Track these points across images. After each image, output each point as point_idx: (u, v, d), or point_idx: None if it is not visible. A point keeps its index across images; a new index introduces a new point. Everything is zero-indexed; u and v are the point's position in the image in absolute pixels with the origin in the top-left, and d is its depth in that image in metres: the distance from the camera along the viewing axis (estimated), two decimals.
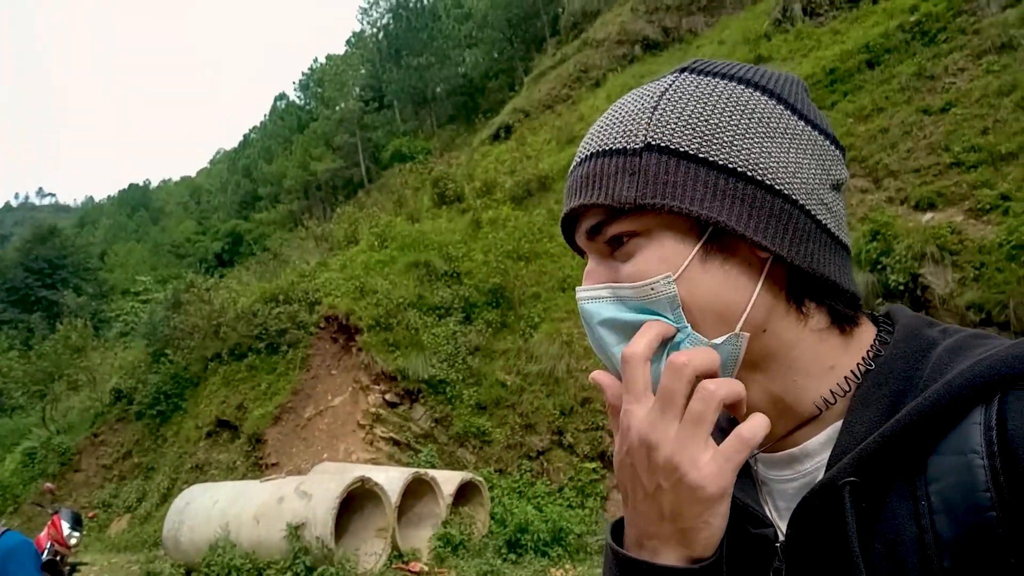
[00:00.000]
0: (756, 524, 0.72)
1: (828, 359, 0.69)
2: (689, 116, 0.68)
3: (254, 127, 77.96)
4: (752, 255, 0.67)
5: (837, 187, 0.72)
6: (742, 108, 0.68)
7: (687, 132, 0.67)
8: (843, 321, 0.70)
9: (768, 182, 0.67)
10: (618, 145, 0.70)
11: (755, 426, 0.61)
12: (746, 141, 0.67)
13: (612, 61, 24.27)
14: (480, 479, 9.80)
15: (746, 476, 0.76)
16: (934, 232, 8.54)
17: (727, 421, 0.81)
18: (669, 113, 0.69)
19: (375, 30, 56.28)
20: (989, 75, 10.29)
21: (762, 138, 0.67)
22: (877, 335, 0.71)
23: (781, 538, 0.69)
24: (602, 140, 0.71)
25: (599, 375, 0.69)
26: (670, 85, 0.71)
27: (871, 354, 0.69)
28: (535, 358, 11.52)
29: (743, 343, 0.66)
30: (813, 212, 0.68)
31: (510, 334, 12.42)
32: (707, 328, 0.66)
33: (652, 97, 0.71)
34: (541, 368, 11.29)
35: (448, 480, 9.31)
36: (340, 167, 47.88)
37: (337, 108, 50.01)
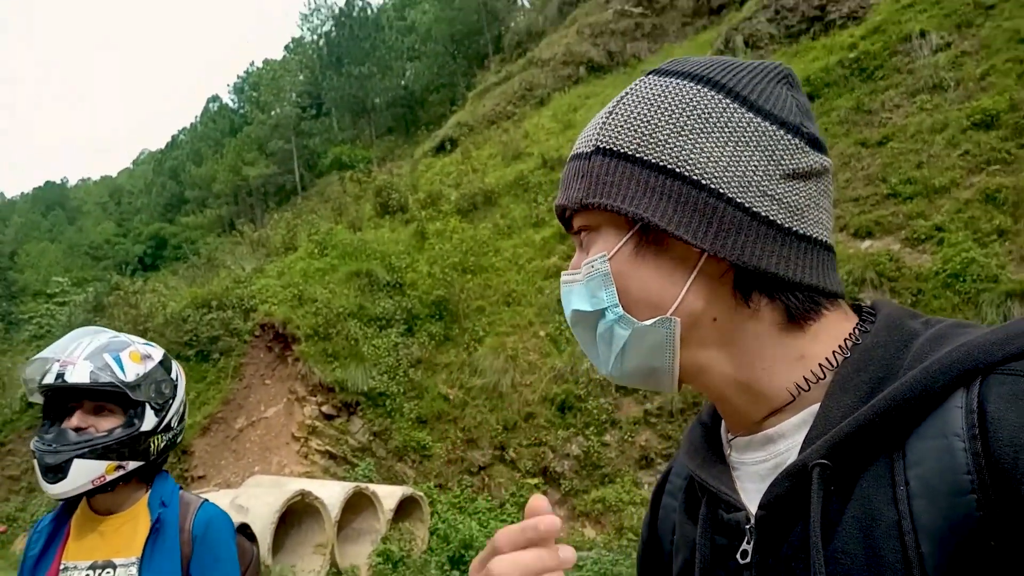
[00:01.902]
0: (729, 509, 0.74)
1: (794, 350, 0.70)
2: (634, 118, 0.73)
3: (183, 128, 75.65)
4: (688, 250, 0.70)
5: (796, 176, 0.71)
6: (683, 106, 0.71)
7: (629, 134, 0.72)
8: (799, 316, 0.70)
9: (695, 177, 0.69)
10: (579, 150, 0.77)
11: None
12: (680, 139, 0.70)
13: (557, 81, 24.51)
14: (420, 494, 9.58)
15: (721, 463, 0.78)
16: (873, 259, 8.86)
17: (708, 416, 0.86)
18: (619, 116, 0.74)
19: (316, 37, 55.55)
20: (923, 112, 10.80)
21: (698, 134, 0.70)
22: (857, 324, 0.72)
23: (750, 521, 0.70)
24: (575, 145, 0.80)
25: (537, 501, 0.67)
26: (629, 91, 0.76)
27: (849, 343, 0.70)
28: (479, 372, 11.39)
29: (675, 328, 0.70)
30: (748, 205, 0.68)
31: (453, 347, 12.26)
32: (639, 313, 0.71)
33: (612, 103, 0.77)
34: (485, 382, 11.16)
35: (388, 495, 9.07)
36: (273, 173, 46.89)
37: (273, 113, 49.05)
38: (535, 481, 9.99)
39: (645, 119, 0.72)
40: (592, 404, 10.19)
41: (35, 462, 1.60)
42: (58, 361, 1.62)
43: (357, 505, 8.74)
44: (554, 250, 13.40)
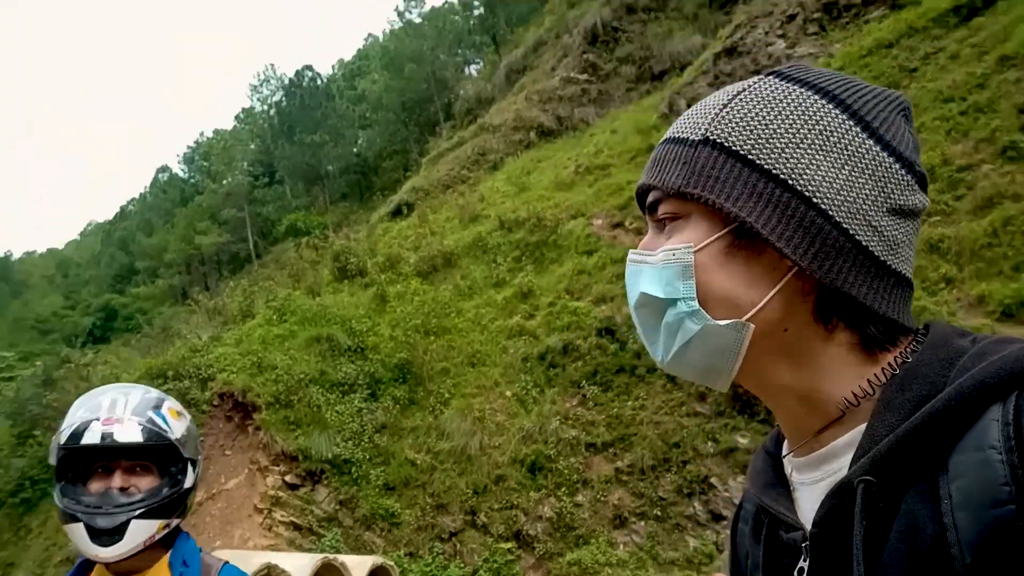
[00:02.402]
0: (788, 529, 0.76)
1: (857, 370, 0.71)
2: (752, 118, 0.72)
3: (132, 199, 74.67)
4: (780, 262, 0.70)
5: (900, 213, 0.72)
6: (806, 118, 0.71)
7: (744, 133, 0.72)
8: (874, 345, 0.72)
9: (807, 193, 0.69)
10: (683, 135, 0.76)
11: None
12: (797, 150, 0.70)
13: (509, 145, 25.05)
14: (391, 563, 9.31)
15: (781, 484, 0.81)
16: None
17: (772, 442, 0.88)
18: (735, 112, 0.73)
19: (266, 107, 55.92)
20: None
21: (816, 151, 0.70)
22: (909, 343, 0.73)
23: (806, 540, 0.72)
24: (676, 128, 0.78)
25: None
26: (748, 87, 0.75)
27: (899, 361, 0.71)
28: (446, 435, 11.26)
29: (747, 334, 0.71)
30: (852, 232, 0.69)
31: (419, 411, 12.13)
32: (714, 311, 0.71)
33: (728, 95, 0.75)
34: (452, 445, 11.03)
35: (358, 565, 8.78)
36: (227, 241, 46.47)
37: (225, 182, 48.91)
38: (508, 546, 9.82)
39: (764, 122, 0.71)
40: (563, 464, 10.14)
41: (78, 526, 1.53)
42: (97, 420, 1.58)
43: None
44: (516, 309, 13.49)
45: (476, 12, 46.53)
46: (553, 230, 15.28)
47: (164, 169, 69.43)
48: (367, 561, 9.00)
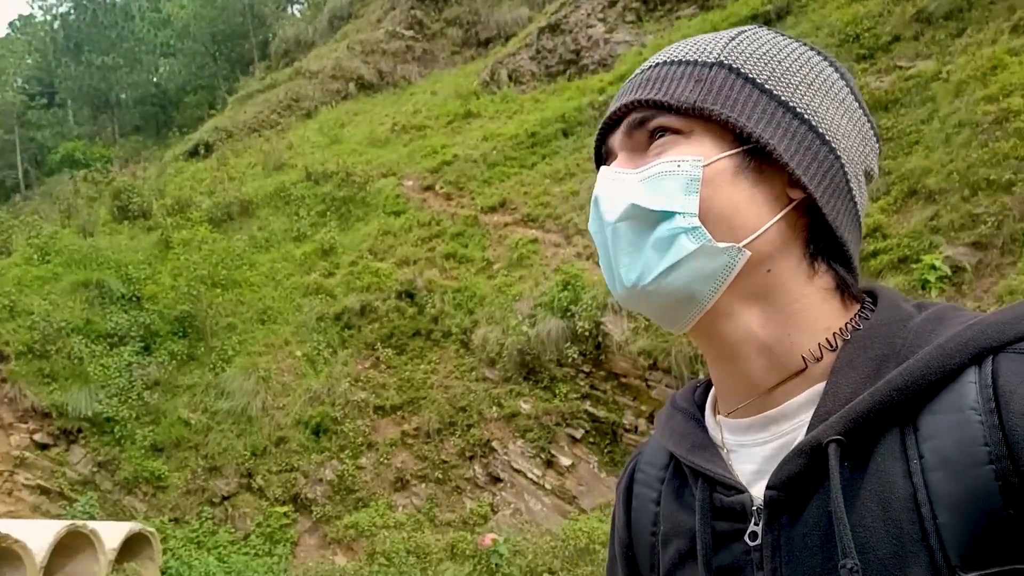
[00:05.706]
0: (729, 491, 0.72)
1: (827, 320, 0.71)
2: (763, 54, 0.72)
3: None
4: (784, 192, 0.71)
5: (868, 176, 0.77)
6: (811, 66, 0.73)
7: (759, 64, 0.72)
8: (846, 288, 0.73)
9: (821, 130, 0.71)
10: (690, 58, 0.73)
11: None
12: (809, 90, 0.72)
13: (325, 95, 23.93)
14: (151, 530, 8.68)
15: (710, 447, 0.77)
16: None
17: (685, 401, 0.84)
18: (746, 45, 0.73)
19: (49, 17, 49.32)
20: None
21: (824, 96, 0.72)
22: (861, 305, 0.75)
23: (755, 503, 0.69)
24: (672, 54, 0.75)
25: None
26: (747, 30, 0.76)
27: (853, 323, 0.72)
28: (226, 394, 10.60)
29: (741, 260, 0.68)
30: (850, 177, 0.72)
31: (198, 367, 11.31)
32: (714, 231, 0.68)
33: (730, 32, 0.75)
34: (232, 405, 10.41)
35: (111, 533, 8.09)
36: None
37: None
38: (284, 509, 9.47)
39: (776, 59, 0.72)
40: (349, 427, 9.91)
41: None
42: None
43: (72, 547, 7.70)
44: (315, 266, 12.95)
45: None
46: (362, 187, 14.80)
47: None
48: (123, 528, 8.33)
